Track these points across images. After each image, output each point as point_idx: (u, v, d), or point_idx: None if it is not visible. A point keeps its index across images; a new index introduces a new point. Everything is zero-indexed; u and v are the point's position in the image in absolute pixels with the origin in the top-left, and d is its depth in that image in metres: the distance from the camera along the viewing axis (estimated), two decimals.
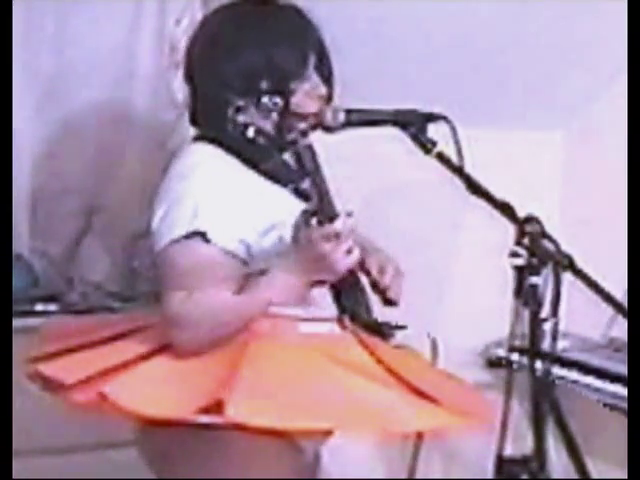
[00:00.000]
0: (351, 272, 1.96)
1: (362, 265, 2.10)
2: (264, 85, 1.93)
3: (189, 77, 2.03)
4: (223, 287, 1.85)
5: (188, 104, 2.05)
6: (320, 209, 1.84)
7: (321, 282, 1.92)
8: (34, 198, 2.82)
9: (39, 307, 2.77)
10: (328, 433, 1.97)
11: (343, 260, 1.82)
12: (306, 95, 1.96)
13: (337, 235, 1.78)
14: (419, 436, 2.05)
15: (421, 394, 1.80)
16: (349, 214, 1.81)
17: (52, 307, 2.79)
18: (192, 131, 2.07)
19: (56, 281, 2.88)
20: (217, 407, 1.66)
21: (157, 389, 1.78)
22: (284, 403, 1.73)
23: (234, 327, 1.85)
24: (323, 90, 1.98)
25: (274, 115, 1.93)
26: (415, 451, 2.11)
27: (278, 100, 1.93)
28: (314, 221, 1.82)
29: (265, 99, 1.92)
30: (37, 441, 2.60)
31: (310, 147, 1.92)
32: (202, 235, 1.84)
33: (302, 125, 1.96)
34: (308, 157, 1.88)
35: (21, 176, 2.75)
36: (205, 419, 1.68)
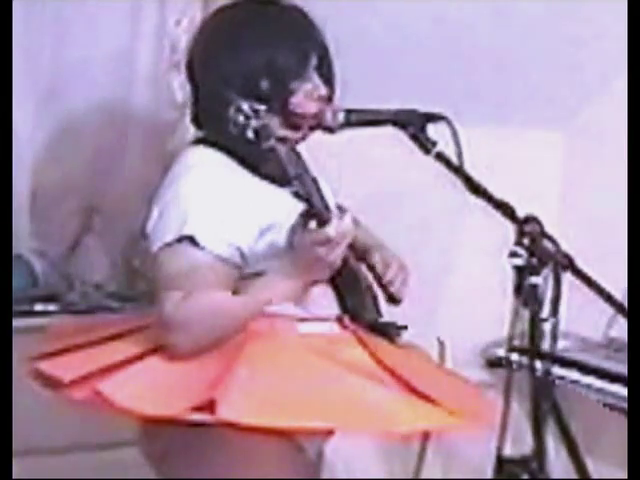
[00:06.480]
0: (353, 272, 1.96)
1: (367, 262, 2.11)
2: (264, 85, 1.92)
3: (191, 76, 2.03)
4: (215, 291, 1.84)
5: (190, 103, 2.05)
6: (315, 212, 1.82)
7: (316, 282, 1.92)
8: (34, 198, 2.82)
9: (39, 307, 2.77)
10: (329, 432, 1.97)
11: (335, 259, 1.82)
12: (306, 96, 1.95)
13: (329, 240, 1.78)
14: (425, 437, 2.05)
15: (418, 394, 1.79)
16: (340, 208, 1.79)
17: (52, 307, 2.79)
18: (192, 131, 2.07)
19: (56, 281, 2.88)
20: (210, 406, 1.66)
21: (152, 387, 1.78)
22: (278, 402, 1.72)
23: (229, 329, 1.84)
24: (324, 91, 1.97)
25: (275, 116, 1.93)
26: (421, 452, 2.11)
27: (278, 100, 1.92)
28: (312, 224, 1.82)
29: (265, 99, 1.91)
30: (37, 441, 2.59)
31: (294, 150, 1.89)
32: (192, 240, 1.84)
33: (302, 125, 1.96)
34: (293, 161, 1.85)
35: (21, 176, 2.75)
36: (197, 417, 1.68)
